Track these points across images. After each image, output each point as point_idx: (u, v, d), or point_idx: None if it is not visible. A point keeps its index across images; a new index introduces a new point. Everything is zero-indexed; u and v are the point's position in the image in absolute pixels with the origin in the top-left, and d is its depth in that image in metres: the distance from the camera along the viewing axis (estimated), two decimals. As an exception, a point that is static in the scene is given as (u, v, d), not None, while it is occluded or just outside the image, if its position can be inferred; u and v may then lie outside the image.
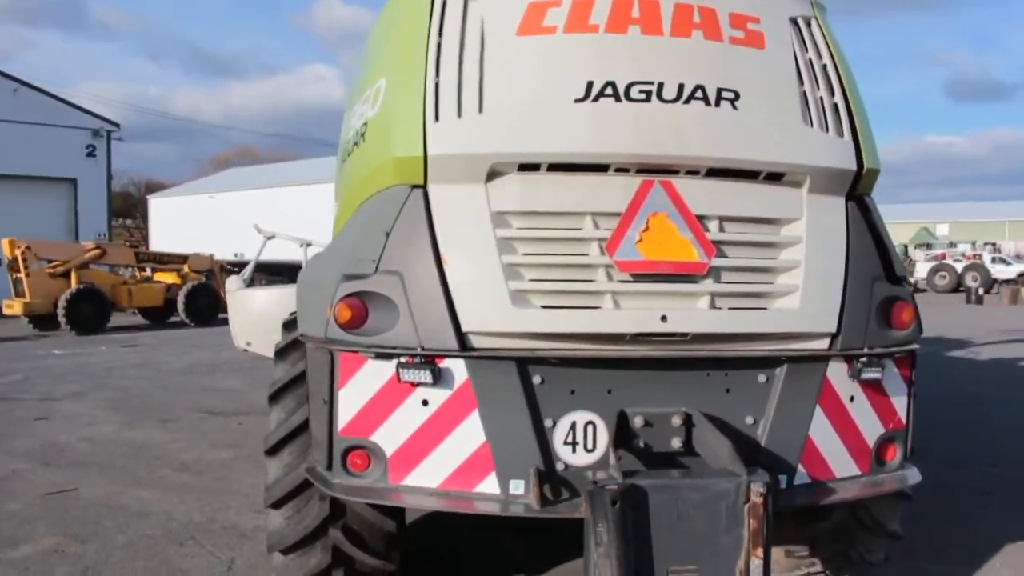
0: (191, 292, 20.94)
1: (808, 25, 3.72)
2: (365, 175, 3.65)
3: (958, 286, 37.62)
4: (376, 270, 3.33)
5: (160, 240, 45.86)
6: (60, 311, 18.55)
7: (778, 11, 3.67)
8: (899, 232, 54.63)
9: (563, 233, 3.30)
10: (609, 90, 3.28)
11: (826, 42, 3.72)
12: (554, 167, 3.30)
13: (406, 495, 3.33)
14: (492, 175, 3.29)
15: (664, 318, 3.23)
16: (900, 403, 3.65)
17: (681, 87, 3.34)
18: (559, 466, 3.29)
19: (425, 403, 3.27)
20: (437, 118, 3.29)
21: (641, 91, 3.30)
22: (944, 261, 41.44)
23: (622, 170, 3.31)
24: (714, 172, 3.38)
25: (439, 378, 3.23)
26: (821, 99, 3.57)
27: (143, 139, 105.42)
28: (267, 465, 3.89)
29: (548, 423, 3.29)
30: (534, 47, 3.38)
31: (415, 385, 3.26)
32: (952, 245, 46.38)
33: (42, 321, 19.21)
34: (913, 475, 3.66)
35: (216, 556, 5.01)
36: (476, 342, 3.24)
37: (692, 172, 3.35)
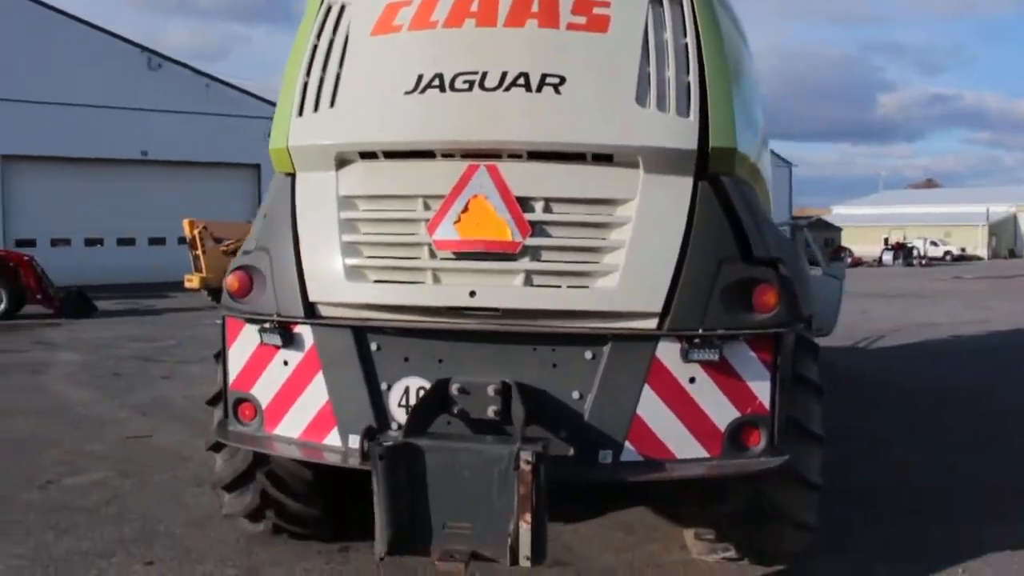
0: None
1: (679, 5, 3.67)
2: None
3: None
4: (255, 247, 3.83)
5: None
6: (230, 285, 20.62)
7: None
8: None
9: (397, 215, 3.61)
10: (436, 82, 3.53)
11: (695, 21, 3.63)
12: (390, 155, 3.61)
13: (277, 443, 3.80)
14: (341, 163, 3.66)
15: (472, 293, 3.45)
16: (761, 387, 3.53)
17: (504, 75, 3.50)
18: (393, 425, 3.60)
19: (286, 363, 3.73)
20: (300, 113, 3.72)
21: (465, 81, 3.51)
22: None
23: (449, 156, 3.55)
24: (540, 155, 3.51)
25: (291, 342, 3.67)
26: (668, 79, 3.54)
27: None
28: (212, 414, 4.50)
29: (384, 386, 3.62)
30: (382, 45, 3.70)
31: (277, 347, 3.72)
32: None
33: (218, 294, 21.38)
34: (775, 461, 3.52)
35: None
36: (322, 311, 3.64)
37: (515, 156, 3.51)
